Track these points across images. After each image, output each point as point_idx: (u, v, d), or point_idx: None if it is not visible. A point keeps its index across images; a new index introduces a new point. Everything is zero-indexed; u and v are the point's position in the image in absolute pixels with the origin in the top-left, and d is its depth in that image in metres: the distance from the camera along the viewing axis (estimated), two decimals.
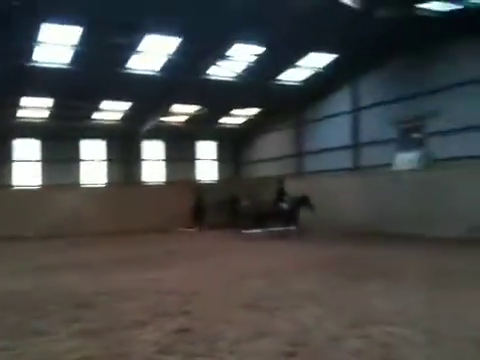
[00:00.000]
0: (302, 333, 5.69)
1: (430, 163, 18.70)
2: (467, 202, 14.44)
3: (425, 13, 16.13)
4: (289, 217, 16.89)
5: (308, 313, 6.52)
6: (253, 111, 27.62)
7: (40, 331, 6.09)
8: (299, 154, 26.48)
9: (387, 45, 19.41)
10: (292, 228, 17.83)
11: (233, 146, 31.41)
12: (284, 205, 16.93)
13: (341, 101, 23.52)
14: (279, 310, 6.74)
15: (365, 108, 22.26)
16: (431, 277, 8.79)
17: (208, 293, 8.14)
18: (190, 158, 30.05)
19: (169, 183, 28.11)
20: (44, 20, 15.72)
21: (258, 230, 19.88)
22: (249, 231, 19.57)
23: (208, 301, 7.56)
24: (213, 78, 21.83)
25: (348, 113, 23.08)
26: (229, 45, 18.78)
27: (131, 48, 18.33)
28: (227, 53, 19.52)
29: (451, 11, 15.97)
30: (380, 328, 5.73)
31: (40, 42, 17.14)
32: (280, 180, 17.71)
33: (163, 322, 6.42)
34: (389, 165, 19.97)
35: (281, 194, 17.34)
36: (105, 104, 24.12)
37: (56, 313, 7.01)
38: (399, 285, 8.15)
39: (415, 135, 19.97)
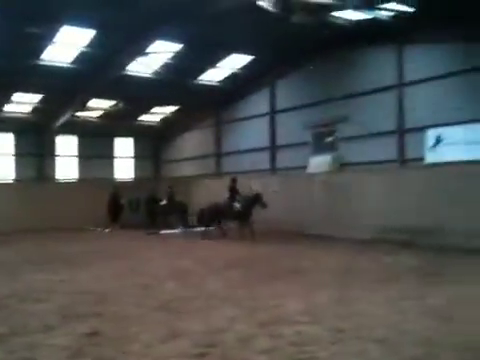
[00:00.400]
0: (214, 334, 5.74)
1: (340, 166, 19.63)
2: (375, 205, 15.24)
3: (338, 21, 16.86)
4: (242, 216, 16.62)
5: (221, 314, 6.58)
6: (172, 109, 27.43)
7: None
8: (218, 154, 26.66)
9: (303, 50, 20.07)
10: (211, 228, 17.96)
11: (152, 144, 31.00)
12: (237, 204, 16.64)
13: (259, 103, 23.98)
14: (192, 311, 6.76)
15: (282, 111, 22.85)
16: (339, 276, 9.19)
17: (121, 294, 7.99)
18: (107, 155, 29.26)
19: (84, 180, 27.19)
20: None
21: (177, 230, 19.83)
22: (167, 231, 19.44)
23: (121, 302, 7.43)
24: (131, 74, 21.43)
25: (266, 115, 23.57)
26: (148, 41, 18.52)
27: (45, 39, 17.56)
28: (146, 49, 19.24)
29: (362, 21, 16.80)
30: (290, 327, 5.92)
31: None
32: (233, 179, 17.53)
33: (74, 325, 6.23)
34: (304, 167, 20.66)
35: (234, 193, 17.10)
36: (17, 96, 22.88)
37: None
38: (309, 284, 8.44)
39: (328, 139, 20.82)
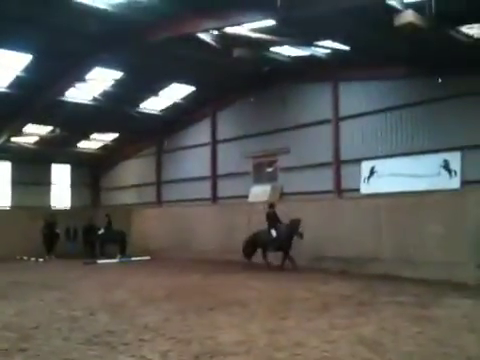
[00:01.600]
0: None
1: (280, 196, 19.98)
2: (311, 233, 15.53)
3: (278, 57, 17.39)
4: (283, 246, 14.97)
5: (154, 347, 6.41)
6: (112, 137, 27.06)
7: None
8: (158, 183, 26.42)
9: (245, 83, 20.50)
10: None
11: (91, 171, 30.32)
12: (274, 232, 15.11)
13: (201, 133, 24.13)
14: (123, 345, 6.54)
15: (223, 141, 23.07)
16: (276, 306, 9.21)
17: (49, 328, 7.63)
18: (44, 182, 28.29)
19: (18, 208, 26.09)
20: None
21: (114, 259, 19.33)
22: (105, 260, 18.91)
23: (48, 337, 7.08)
24: (70, 100, 21.05)
25: (207, 145, 23.71)
26: (88, 68, 18.32)
27: None
28: (85, 76, 19.01)
29: (300, 57, 17.42)
30: (225, 359, 5.84)
31: None
32: (271, 204, 16.09)
33: None
34: (244, 196, 20.82)
35: (273, 220, 15.39)
36: None
37: None
38: (246, 315, 8.40)
39: (268, 169, 21.17)
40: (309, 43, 16.06)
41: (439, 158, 15.68)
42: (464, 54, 14.25)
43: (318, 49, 16.54)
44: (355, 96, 18.27)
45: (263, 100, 21.08)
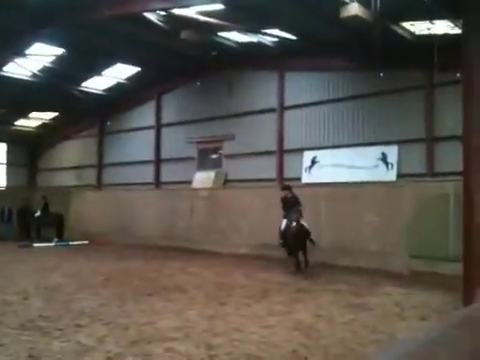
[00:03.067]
0: (80, 354, 5.47)
1: (224, 182, 20.03)
2: (253, 221, 15.70)
3: (225, 42, 17.30)
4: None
5: (90, 333, 6.30)
6: (52, 115, 26.08)
7: None
8: (99, 165, 25.78)
9: (191, 66, 20.27)
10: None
11: (28, 151, 29.11)
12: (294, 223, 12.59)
13: (145, 115, 23.68)
14: (58, 330, 6.39)
15: (168, 125, 22.77)
16: (215, 292, 9.27)
17: None
18: None
19: None
20: None
21: (50, 243, 18.78)
22: (41, 244, 18.33)
23: None
24: (8, 75, 20.07)
25: (151, 128, 23.33)
26: (27, 43, 17.51)
27: None
28: (25, 51, 18.17)
29: (248, 44, 17.42)
30: (161, 345, 5.83)
31: None
32: (286, 186, 12.97)
33: None
34: (188, 182, 20.71)
35: (291, 205, 12.22)
36: None
37: None
38: (185, 301, 8.41)
39: (213, 156, 21.13)
40: (256, 30, 16.05)
41: (377, 151, 16.17)
42: (406, 50, 14.72)
43: (265, 37, 16.58)
44: (300, 86, 18.48)
45: (209, 85, 20.92)
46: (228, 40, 17.33)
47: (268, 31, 16.02)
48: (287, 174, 18.58)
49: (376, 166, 16.11)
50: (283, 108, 18.86)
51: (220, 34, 16.84)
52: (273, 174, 18.78)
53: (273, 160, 18.93)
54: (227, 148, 20.48)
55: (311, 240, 11.92)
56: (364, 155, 16.39)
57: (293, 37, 16.09)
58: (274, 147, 18.91)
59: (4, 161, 28.19)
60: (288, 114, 18.76)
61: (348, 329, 6.72)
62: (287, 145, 18.69)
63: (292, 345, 5.90)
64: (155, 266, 12.95)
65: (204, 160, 21.40)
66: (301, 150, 18.05)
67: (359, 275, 11.41)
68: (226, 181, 20.36)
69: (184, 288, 9.57)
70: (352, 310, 7.86)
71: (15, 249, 17.13)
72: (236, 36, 17.12)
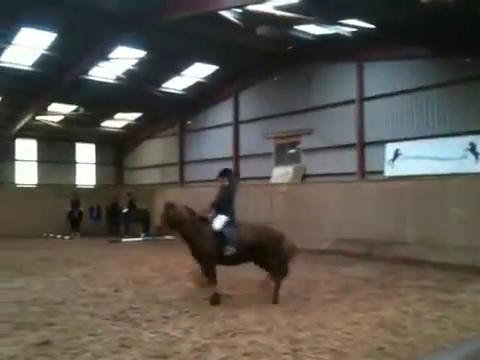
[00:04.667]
0: (168, 345, 5.68)
1: (302, 177, 19.90)
2: (334, 216, 15.47)
3: (302, 35, 17.12)
4: None
5: (176, 324, 6.53)
6: (136, 116, 27.19)
7: None
8: (181, 163, 26.54)
9: (267, 62, 20.30)
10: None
11: (115, 151, 30.56)
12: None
13: (223, 113, 24.05)
14: (147, 322, 6.67)
15: (246, 121, 22.97)
16: (296, 288, 9.24)
17: (75, 303, 7.83)
18: (68, 161, 28.67)
19: (44, 186, 26.51)
20: None
21: (138, 238, 19.62)
22: (129, 239, 19.20)
23: (74, 312, 7.28)
24: (94, 79, 21.15)
25: (229, 125, 23.65)
26: (110, 47, 18.35)
27: (4, 40, 17.17)
28: (109, 55, 19.06)
29: (325, 36, 17.13)
30: (245, 338, 5.91)
31: None
32: None
33: (23, 334, 6.07)
34: (267, 178, 20.79)
35: None
36: None
37: None
38: (266, 295, 8.44)
39: (290, 150, 21.05)
40: (333, 21, 15.75)
41: (465, 141, 15.35)
42: None
43: (343, 28, 16.23)
44: (380, 76, 17.93)
45: (286, 80, 20.85)
46: (304, 33, 17.14)
47: (345, 21, 15.68)
48: (368, 167, 18.14)
49: (464, 157, 15.29)
50: (363, 99, 18.41)
51: (296, 27, 16.70)
52: (353, 168, 18.40)
53: (353, 153, 18.54)
54: (305, 142, 20.32)
55: None
56: (450, 146, 15.62)
57: (371, 26, 15.63)
58: (354, 140, 18.51)
59: (93, 161, 29.76)
60: (368, 105, 18.28)
61: (437, 326, 6.46)
62: (368, 137, 18.22)
63: (378, 342, 5.77)
64: None
65: (282, 155, 21.38)
66: (383, 142, 17.51)
67: (447, 271, 10.91)
68: (305, 176, 20.22)
69: (265, 283, 9.60)
70: (440, 307, 7.54)
71: (105, 244, 18.05)
72: (312, 29, 16.89)
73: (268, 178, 20.78)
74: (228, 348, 5.55)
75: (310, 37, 17.36)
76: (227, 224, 7.91)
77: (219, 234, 7.78)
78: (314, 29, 16.90)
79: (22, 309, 7.42)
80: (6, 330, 6.24)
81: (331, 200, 15.82)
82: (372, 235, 14.04)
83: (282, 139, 21.28)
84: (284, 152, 21.34)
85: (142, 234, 20.27)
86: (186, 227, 7.93)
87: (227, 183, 8.45)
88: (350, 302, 7.90)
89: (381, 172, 17.29)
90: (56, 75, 20.05)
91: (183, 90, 23.54)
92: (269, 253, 7.93)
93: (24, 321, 6.68)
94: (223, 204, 8.11)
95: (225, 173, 8.59)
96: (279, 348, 5.54)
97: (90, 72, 20.63)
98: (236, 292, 8.51)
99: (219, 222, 7.91)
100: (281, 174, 20.35)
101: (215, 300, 7.67)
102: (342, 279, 10.21)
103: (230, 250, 7.71)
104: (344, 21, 15.63)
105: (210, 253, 7.75)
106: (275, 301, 7.82)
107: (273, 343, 5.71)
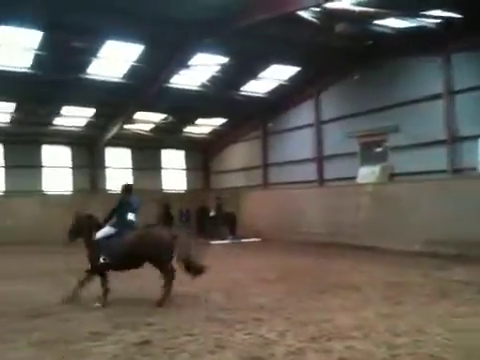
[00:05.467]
0: (263, 347, 5.75)
1: (389, 177, 19.28)
2: (424, 216, 14.87)
3: (383, 29, 16.61)
4: None
5: (270, 327, 6.58)
6: (220, 121, 27.73)
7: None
8: (265, 165, 26.70)
9: (347, 60, 19.91)
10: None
11: (201, 156, 31.35)
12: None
13: (305, 114, 23.87)
14: (241, 323, 6.79)
15: (328, 121, 22.66)
16: (390, 291, 9.00)
17: (171, 304, 8.12)
18: (156, 167, 29.82)
19: (136, 191, 27.67)
20: (2, 22, 15.47)
21: (225, 241, 20.01)
22: (217, 241, 19.62)
23: (170, 313, 7.56)
24: (178, 87, 21.84)
25: (311, 126, 23.45)
26: (191, 54, 18.85)
27: (91, 53, 18.20)
28: (191, 62, 19.60)
29: (408, 28, 16.50)
30: (341, 342, 5.84)
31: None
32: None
33: (123, 334, 6.38)
34: (352, 178, 20.38)
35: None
36: (67, 110, 23.69)
37: (12, 322, 6.92)
38: (359, 299, 8.30)
39: (377, 149, 20.49)
40: (416, 13, 15.13)
41: None
42: None
43: (426, 19, 15.54)
44: (469, 68, 16.96)
45: (368, 77, 20.31)
46: (385, 27, 16.62)
47: (429, 13, 14.99)
48: (460, 164, 17.21)
49: None
50: (451, 93, 17.51)
51: (376, 22, 16.23)
52: (443, 165, 17.55)
53: (443, 150, 17.69)
54: (391, 140, 19.68)
55: None
56: None
57: (457, 15, 14.84)
58: (444, 136, 17.66)
59: (183, 166, 30.72)
60: (458, 99, 17.34)
61: None
62: (459, 133, 17.32)
63: None
64: (324, 263, 13.02)
65: (367, 154, 20.84)
66: (476, 137, 16.56)
67: None
68: (392, 175, 19.59)
69: (357, 286, 9.45)
70: None
71: (194, 247, 18.53)
72: (393, 22, 16.32)
73: (353, 178, 20.35)
74: (323, 352, 5.51)
75: (391, 31, 16.79)
76: (111, 235, 8.56)
77: (96, 244, 8.50)
78: (395, 23, 16.33)
79: (122, 309, 7.80)
80: (107, 329, 6.57)
81: (420, 199, 15.23)
82: (465, 235, 13.33)
83: (367, 138, 20.75)
84: (370, 151, 20.80)
85: (229, 237, 20.64)
86: (84, 236, 8.82)
87: (121, 197, 9.31)
88: (448, 307, 7.56)
89: (474, 169, 16.36)
90: (144, 85, 20.93)
91: (265, 93, 23.68)
92: (153, 258, 8.38)
93: (124, 321, 7.01)
94: (114, 216, 8.85)
95: (123, 188, 9.55)
96: (377, 354, 5.42)
97: (174, 80, 21.30)
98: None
99: (100, 233, 8.61)
100: (367, 174, 19.85)
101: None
102: (437, 282, 9.79)
103: (102, 260, 8.38)
104: (427, 12, 14.96)
105: (91, 260, 8.56)
106: (160, 304, 8.07)
107: (370, 349, 5.60)
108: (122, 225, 8.69)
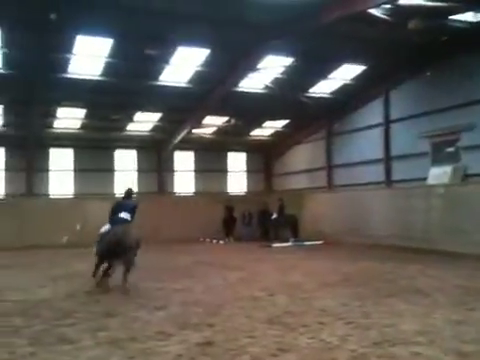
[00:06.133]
0: (325, 351, 5.61)
1: (463, 178, 18.36)
2: None
3: (458, 24, 15.89)
4: None
5: (332, 331, 6.42)
6: (283, 123, 27.62)
7: (67, 339, 6.23)
8: (329, 167, 26.28)
9: (419, 57, 19.19)
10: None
11: (263, 158, 31.39)
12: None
13: (372, 113, 23.28)
14: (302, 327, 6.66)
15: (397, 121, 21.97)
16: (461, 296, 8.54)
17: (233, 306, 8.13)
18: (221, 169, 30.17)
19: (200, 194, 28.24)
20: (78, 32, 16.20)
21: (287, 243, 19.86)
22: (279, 244, 19.52)
23: (232, 314, 7.55)
24: (243, 90, 21.96)
25: (379, 126, 22.81)
26: (259, 57, 18.88)
27: (162, 60, 18.65)
28: (257, 65, 19.62)
29: None
30: (406, 348, 5.60)
31: (74, 54, 17.64)
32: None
33: (187, 334, 6.45)
34: (422, 179, 19.61)
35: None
36: (138, 115, 24.48)
37: (83, 322, 7.17)
38: (428, 304, 7.94)
39: (449, 149, 19.59)
40: None
41: None
42: None
43: None
44: None
45: (441, 73, 19.47)
46: (460, 22, 15.90)
47: None
48: None
49: None
50: None
51: (450, 17, 15.54)
52: None
53: None
54: (465, 139, 18.74)
55: None
56: None
57: None
58: None
59: (244, 168, 30.90)
60: None
61: None
62: None
63: None
64: (391, 267, 12.57)
65: (439, 154, 19.99)
66: None
67: None
68: (465, 176, 18.65)
69: (425, 291, 9.05)
70: None
71: (256, 249, 18.55)
72: (469, 16, 15.59)
73: (424, 179, 19.58)
74: (388, 358, 5.30)
75: (466, 25, 16.05)
76: (106, 232, 9.87)
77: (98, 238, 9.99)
78: (471, 16, 15.58)
79: (185, 310, 7.90)
80: (172, 330, 6.66)
81: None
82: None
83: (439, 137, 19.89)
84: (442, 151, 19.92)
85: (291, 239, 20.46)
86: None
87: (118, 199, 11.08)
88: None
89: None
90: (209, 90, 21.24)
91: (330, 93, 23.32)
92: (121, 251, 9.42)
93: (187, 321, 7.09)
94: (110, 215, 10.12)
95: (125, 192, 10.88)
96: None
97: (240, 84, 21.44)
98: None
99: (101, 229, 10.13)
100: (439, 174, 19.02)
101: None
102: None
103: (94, 250, 9.94)
104: None
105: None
106: (125, 292, 9.27)
107: (438, 355, 5.31)
108: (113, 223, 9.92)
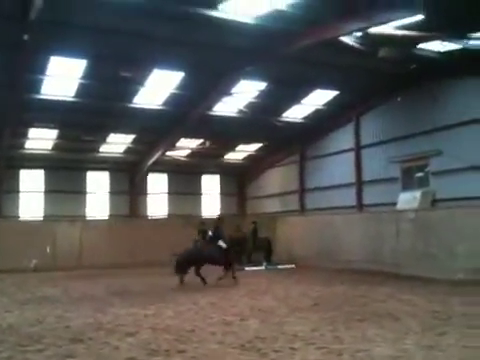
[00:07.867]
0: None
1: (432, 202, 18.72)
2: (472, 243, 14.29)
3: (426, 53, 16.40)
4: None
5: (304, 356, 6.37)
6: (257, 146, 27.81)
7: None
8: (301, 190, 26.47)
9: (389, 83, 19.69)
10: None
11: (237, 181, 31.47)
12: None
13: (344, 138, 23.67)
14: (275, 352, 6.60)
15: (368, 146, 22.37)
16: (431, 321, 8.62)
17: (204, 331, 8.02)
18: (194, 192, 30.07)
19: (173, 216, 28.00)
20: (52, 53, 16.11)
21: (260, 267, 19.77)
22: (252, 267, 19.42)
23: (203, 340, 7.44)
24: (217, 113, 22.09)
25: (350, 151, 23.17)
26: (234, 81, 19.09)
27: (137, 82, 18.66)
28: (232, 89, 19.81)
29: (451, 51, 16.22)
30: None
31: (47, 75, 17.50)
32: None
33: None
34: (392, 204, 19.91)
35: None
36: (111, 137, 24.31)
37: (51, 347, 6.97)
38: (399, 329, 7.97)
39: (418, 174, 20.00)
40: (461, 36, 14.87)
41: None
42: None
43: (472, 41, 15.24)
44: None
45: (410, 100, 20.01)
46: (428, 51, 16.42)
47: (475, 34, 14.71)
48: None
49: None
50: None
51: (419, 46, 16.04)
52: None
53: None
54: (434, 165, 19.19)
55: None
56: None
57: None
58: None
59: (218, 191, 30.86)
60: None
61: None
62: None
63: None
64: (363, 291, 12.62)
65: (408, 179, 20.39)
66: None
67: None
68: (434, 201, 19.03)
69: (396, 315, 9.09)
70: None
71: (229, 273, 18.36)
72: (437, 45, 16.11)
73: (394, 204, 19.89)
74: None
75: (434, 54, 16.58)
76: None
77: None
78: (439, 46, 16.11)
79: (155, 336, 7.75)
80: (141, 357, 6.51)
81: (466, 226, 14.65)
82: None
83: (409, 162, 20.33)
84: (411, 176, 20.33)
85: (264, 263, 20.39)
86: None
87: None
88: None
89: None
90: (184, 112, 21.30)
91: (303, 118, 23.65)
92: None
93: (157, 348, 6.94)
94: None
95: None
96: None
97: (215, 107, 21.57)
98: None
99: None
100: (408, 199, 19.37)
101: None
102: None
103: None
104: (474, 34, 14.68)
105: None
106: None
107: None
108: None
